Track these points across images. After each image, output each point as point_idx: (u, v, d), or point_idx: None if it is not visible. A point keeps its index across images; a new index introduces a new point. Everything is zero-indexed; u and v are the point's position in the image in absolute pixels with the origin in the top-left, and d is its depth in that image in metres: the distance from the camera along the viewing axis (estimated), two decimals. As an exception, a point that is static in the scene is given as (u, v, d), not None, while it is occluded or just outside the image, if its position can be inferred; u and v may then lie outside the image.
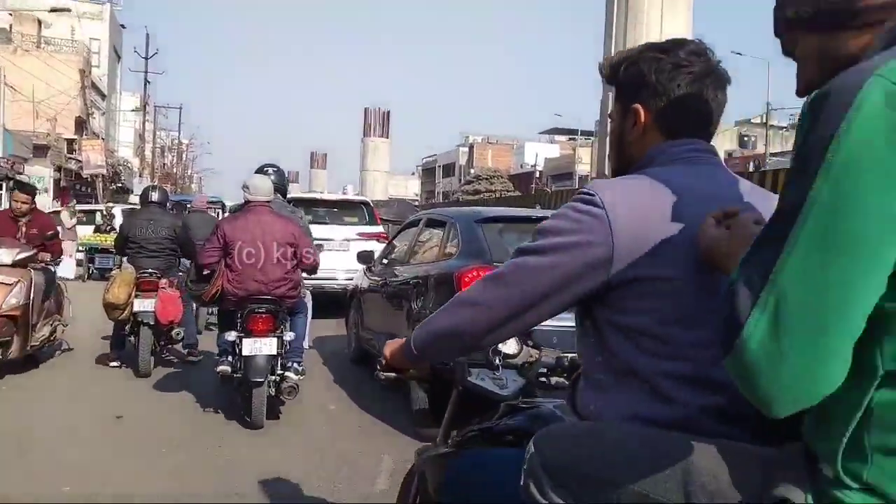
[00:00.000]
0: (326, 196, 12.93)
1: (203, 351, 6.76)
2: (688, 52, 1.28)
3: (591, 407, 1.25)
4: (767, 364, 0.80)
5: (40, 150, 23.71)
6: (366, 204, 11.81)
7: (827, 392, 0.81)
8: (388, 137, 33.49)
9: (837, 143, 0.78)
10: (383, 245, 11.04)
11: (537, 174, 52.48)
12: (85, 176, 24.34)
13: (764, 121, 37.23)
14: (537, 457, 1.19)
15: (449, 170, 69.20)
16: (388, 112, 30.33)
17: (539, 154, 56.34)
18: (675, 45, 1.30)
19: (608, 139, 1.35)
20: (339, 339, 7.79)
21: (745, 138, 44.56)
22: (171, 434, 4.54)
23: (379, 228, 11.03)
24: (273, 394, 4.76)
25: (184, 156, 56.05)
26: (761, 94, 34.34)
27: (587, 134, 56.93)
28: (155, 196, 6.62)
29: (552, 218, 1.23)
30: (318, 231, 9.51)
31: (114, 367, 6.29)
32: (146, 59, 34.91)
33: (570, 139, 62.65)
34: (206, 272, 4.81)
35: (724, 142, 39.68)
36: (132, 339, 6.24)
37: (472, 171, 59.73)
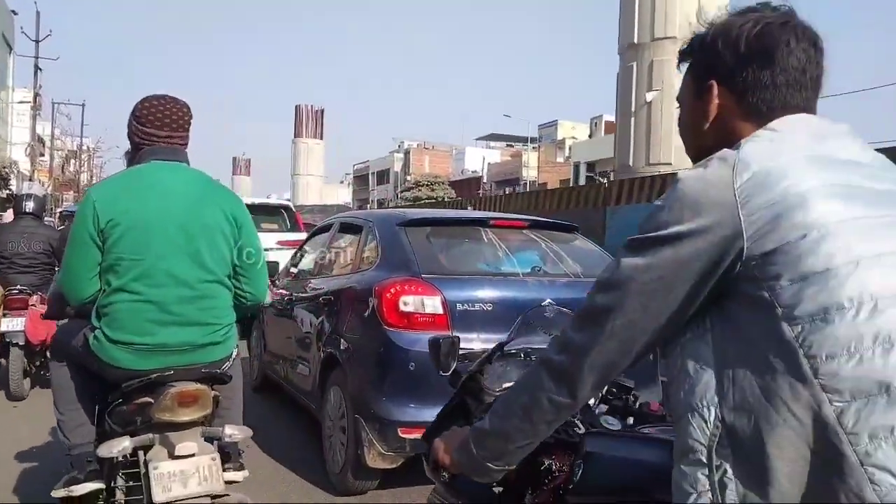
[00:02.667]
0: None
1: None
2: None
3: None
4: (63, 287, 2.54)
5: None
6: (286, 208, 11.22)
7: (83, 299, 2.48)
8: (321, 139, 31.82)
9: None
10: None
11: (484, 179, 52.22)
12: None
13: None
14: None
15: (383, 177, 68.67)
16: (322, 110, 28.69)
17: (483, 159, 56.27)
18: None
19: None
20: (245, 364, 7.06)
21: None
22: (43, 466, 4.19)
23: (302, 235, 10.58)
24: None
25: (92, 160, 53.33)
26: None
27: (526, 140, 57.47)
28: (30, 206, 6.23)
29: None
30: None
31: None
32: (37, 41, 32.04)
33: (508, 145, 63.16)
34: None
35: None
36: (2, 361, 6.04)
37: (409, 177, 59.32)
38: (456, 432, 1.44)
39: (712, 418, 1.04)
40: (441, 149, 65.42)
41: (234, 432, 2.49)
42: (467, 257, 4.06)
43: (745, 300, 1.04)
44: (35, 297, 5.86)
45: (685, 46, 1.27)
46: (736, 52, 1.17)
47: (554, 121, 53.44)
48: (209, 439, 2.47)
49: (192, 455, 2.35)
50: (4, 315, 5.76)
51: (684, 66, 1.28)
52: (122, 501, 2.44)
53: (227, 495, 2.46)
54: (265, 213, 10.72)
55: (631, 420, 1.66)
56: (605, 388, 1.66)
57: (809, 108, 1.18)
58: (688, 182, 1.09)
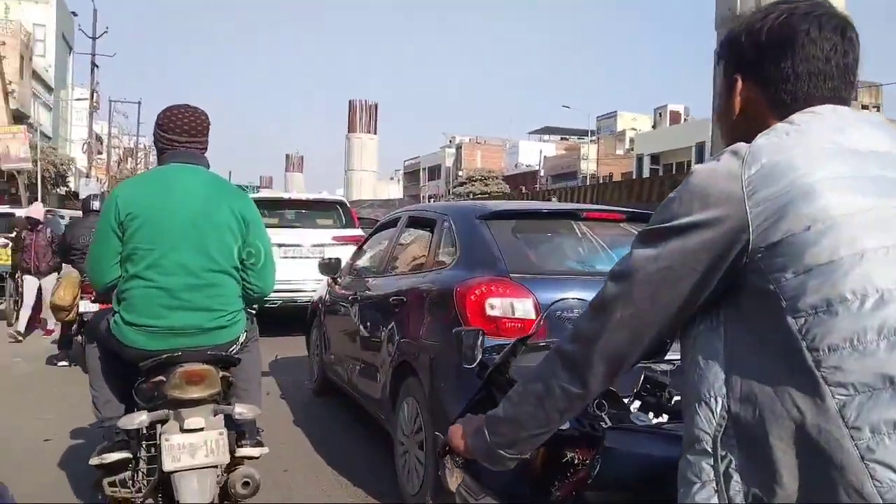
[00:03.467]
0: (295, 196, 11.93)
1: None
2: None
3: None
4: (88, 273, 2.91)
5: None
6: (341, 204, 10.92)
7: (105, 284, 2.80)
8: (375, 133, 31.29)
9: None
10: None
11: (542, 173, 51.22)
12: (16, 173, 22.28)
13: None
14: None
15: (434, 172, 68.46)
16: (376, 105, 28.24)
17: (541, 153, 55.25)
18: None
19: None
20: (304, 364, 6.83)
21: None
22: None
23: (357, 231, 10.18)
24: None
25: (147, 158, 54.48)
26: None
27: (582, 133, 56.35)
28: (96, 205, 7.44)
29: None
30: (285, 236, 9.10)
31: (62, 366, 7.24)
32: (93, 38, 32.23)
33: (563, 139, 62.19)
34: None
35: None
36: (79, 338, 6.88)
37: (461, 172, 59.00)
38: (472, 418, 1.43)
39: (719, 409, 1.05)
40: (493, 143, 64.85)
41: (243, 410, 2.73)
42: (559, 254, 3.66)
43: (753, 292, 1.04)
44: None
45: (719, 44, 1.30)
46: (757, 45, 1.18)
47: (613, 112, 52.33)
48: (228, 418, 2.73)
49: (201, 429, 2.61)
50: (82, 298, 6.65)
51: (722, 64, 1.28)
52: (144, 469, 2.73)
53: (236, 468, 2.77)
54: (319, 208, 10.60)
55: (665, 417, 1.67)
56: (640, 383, 1.71)
57: (839, 98, 1.16)
58: (699, 175, 1.11)
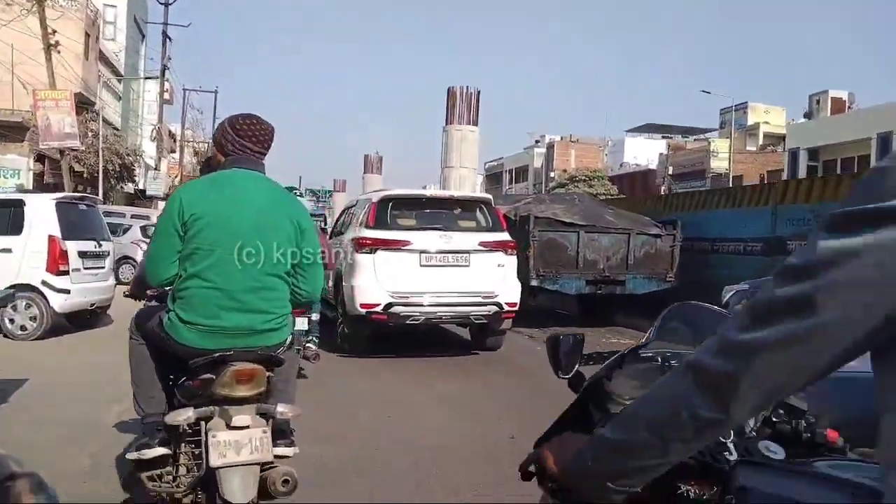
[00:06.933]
0: (433, 194, 10.04)
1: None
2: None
3: None
4: (146, 270, 3.04)
5: (15, 132, 18.64)
6: (486, 203, 9.35)
7: (161, 280, 2.96)
8: (476, 125, 27.18)
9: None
10: (511, 258, 8.64)
11: (670, 171, 45.66)
12: (49, 152, 17.86)
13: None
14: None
15: (519, 174, 64.50)
16: (478, 92, 24.16)
17: (667, 146, 49.76)
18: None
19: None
20: None
21: None
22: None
23: (505, 236, 8.82)
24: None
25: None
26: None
27: (688, 131, 50.98)
28: None
29: None
30: (424, 240, 8.29)
31: None
32: (166, 4, 28.84)
33: (664, 137, 57.18)
34: None
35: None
36: None
37: (553, 173, 54.67)
38: (569, 439, 1.21)
39: None
40: (589, 142, 60.18)
41: (285, 410, 2.90)
42: None
43: None
44: None
45: None
46: None
47: (743, 103, 46.32)
48: (264, 415, 2.85)
49: (247, 427, 2.75)
50: None
51: None
52: (186, 465, 2.89)
53: (276, 466, 2.84)
54: (461, 208, 9.15)
55: (798, 450, 1.39)
56: (770, 408, 1.41)
57: None
58: None
